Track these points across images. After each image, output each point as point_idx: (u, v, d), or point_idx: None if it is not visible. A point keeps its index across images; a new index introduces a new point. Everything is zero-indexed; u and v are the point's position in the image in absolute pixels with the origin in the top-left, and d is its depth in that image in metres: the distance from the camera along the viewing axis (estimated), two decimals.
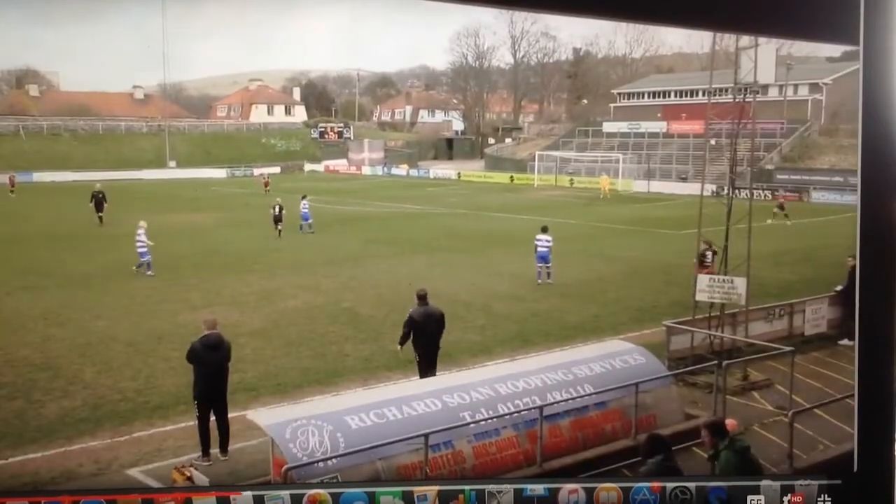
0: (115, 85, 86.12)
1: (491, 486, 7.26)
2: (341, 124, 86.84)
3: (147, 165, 69.82)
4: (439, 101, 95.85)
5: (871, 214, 6.72)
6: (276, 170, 76.50)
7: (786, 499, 7.23)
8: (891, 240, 6.70)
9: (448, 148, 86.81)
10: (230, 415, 11.02)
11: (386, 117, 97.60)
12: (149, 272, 22.82)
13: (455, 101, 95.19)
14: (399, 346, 13.20)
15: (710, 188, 16.06)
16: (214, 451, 10.85)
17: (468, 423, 9.95)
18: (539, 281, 22.16)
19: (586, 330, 17.35)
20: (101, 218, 33.83)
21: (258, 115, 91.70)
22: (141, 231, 23.32)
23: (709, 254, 17.22)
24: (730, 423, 8.49)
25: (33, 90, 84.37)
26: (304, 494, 6.94)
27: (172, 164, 72.74)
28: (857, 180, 6.78)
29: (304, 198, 33.42)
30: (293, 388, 13.60)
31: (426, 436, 9.29)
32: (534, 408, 10.35)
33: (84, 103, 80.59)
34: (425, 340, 12.95)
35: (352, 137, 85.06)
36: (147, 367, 14.56)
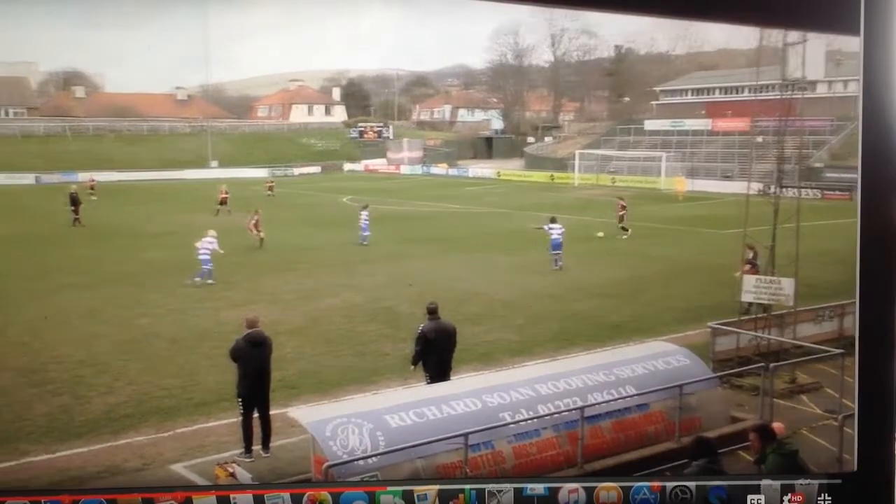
0: (159, 86, 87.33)
1: (491, 486, 7.25)
2: (380, 124, 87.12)
3: (189, 165, 70.67)
4: (478, 100, 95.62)
5: (871, 214, 6.67)
6: (317, 169, 77.03)
7: (786, 498, 7.19)
8: (891, 240, 6.65)
9: (487, 147, 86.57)
10: (272, 412, 11.07)
11: (425, 116, 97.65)
12: (209, 281, 21.85)
13: (494, 99, 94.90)
14: (413, 366, 12.32)
15: (755, 187, 15.73)
16: (256, 447, 10.91)
17: (508, 424, 9.88)
18: (554, 267, 23.28)
19: (628, 330, 17.15)
20: (77, 219, 34.30)
21: (298, 115, 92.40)
22: (209, 240, 22.47)
23: (750, 253, 17.06)
24: (777, 426, 8.30)
25: (79, 92, 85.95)
26: (303, 495, 6.95)
27: (214, 163, 73.54)
28: (858, 180, 6.73)
29: (364, 208, 30.17)
30: (333, 385, 13.63)
31: (466, 435, 9.24)
32: (574, 409, 10.25)
33: (128, 104, 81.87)
34: (437, 357, 12.09)
35: (391, 137, 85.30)
36: (189, 363, 14.71)
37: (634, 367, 11.31)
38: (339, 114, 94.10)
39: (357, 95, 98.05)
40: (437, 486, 7.17)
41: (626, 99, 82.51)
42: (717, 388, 11.93)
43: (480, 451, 9.53)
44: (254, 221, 28.02)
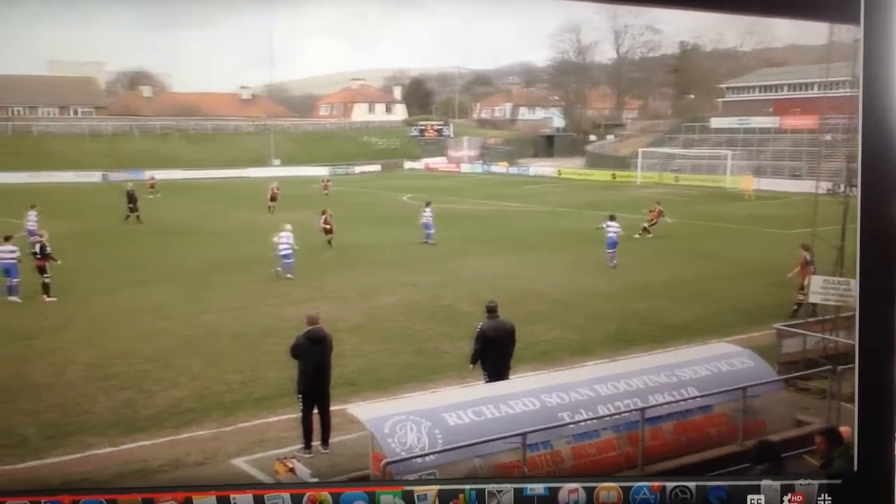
0: (224, 86, 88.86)
1: (491, 486, 7.25)
2: (441, 122, 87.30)
3: (252, 164, 71.81)
4: (539, 98, 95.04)
5: (871, 214, 6.68)
6: (377, 168, 77.55)
7: (786, 498, 7.15)
8: (891, 240, 6.62)
9: (548, 145, 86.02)
10: (331, 408, 11.16)
11: (485, 114, 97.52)
12: (289, 275, 22.51)
13: (555, 97, 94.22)
14: (471, 365, 12.32)
15: (824, 186, 15.29)
16: (316, 443, 11.01)
17: (567, 424, 9.80)
18: (610, 265, 23.44)
19: (690, 331, 16.85)
20: (137, 216, 34.98)
21: (359, 113, 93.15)
22: (286, 234, 22.99)
23: (806, 254, 17.28)
24: (844, 430, 8.06)
25: (146, 91, 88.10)
26: (304, 495, 6.96)
27: (276, 162, 74.63)
28: (858, 180, 6.76)
29: (427, 205, 30.21)
30: (392, 383, 13.69)
31: (524, 435, 9.19)
32: (635, 410, 10.11)
33: (194, 104, 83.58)
34: (496, 356, 12.07)
35: (451, 135, 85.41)
36: (251, 359, 14.92)
37: (697, 369, 11.11)
38: (400, 112, 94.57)
39: (418, 94, 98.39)
40: (437, 487, 7.18)
41: (691, 96, 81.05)
42: (782, 390, 11.63)
43: (539, 451, 9.47)
44: (323, 220, 27.84)
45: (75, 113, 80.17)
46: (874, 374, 6.84)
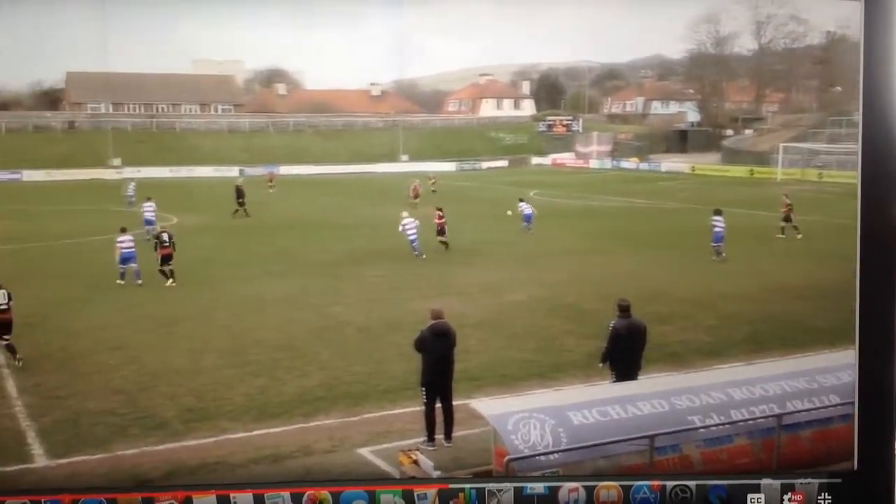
0: (354, 83, 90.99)
1: (491, 485, 7.18)
2: (569, 117, 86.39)
3: (380, 160, 73.23)
4: (673, 92, 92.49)
5: (871, 214, 6.58)
6: (504, 163, 77.56)
7: (786, 497, 7.09)
8: (891, 240, 6.53)
9: (681, 140, 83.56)
10: (455, 402, 11.17)
11: (616, 109, 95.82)
12: (423, 255, 24.84)
13: (690, 90, 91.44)
14: (602, 364, 12.08)
15: None
16: (439, 437, 11.05)
17: (697, 428, 9.43)
18: (714, 258, 23.84)
19: (832, 335, 15.91)
20: (245, 211, 35.95)
21: (487, 109, 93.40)
22: (408, 221, 25.15)
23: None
24: None
25: (281, 89, 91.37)
26: (303, 495, 6.89)
27: (405, 157, 75.80)
28: (858, 180, 6.62)
29: (521, 201, 32.21)
30: (515, 379, 13.60)
31: (651, 437, 8.91)
32: (771, 416, 9.63)
33: (325, 101, 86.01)
34: (626, 356, 11.81)
35: (580, 130, 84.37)
36: (378, 351, 15.16)
37: (840, 375, 10.45)
38: (528, 108, 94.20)
39: (547, 89, 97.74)
40: (437, 486, 7.13)
41: (838, 88, 76.84)
42: None
43: (667, 455, 9.16)
44: (437, 217, 27.21)
45: (215, 110, 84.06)
46: (874, 374, 6.76)
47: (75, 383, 13.42)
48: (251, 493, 6.79)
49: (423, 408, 11.11)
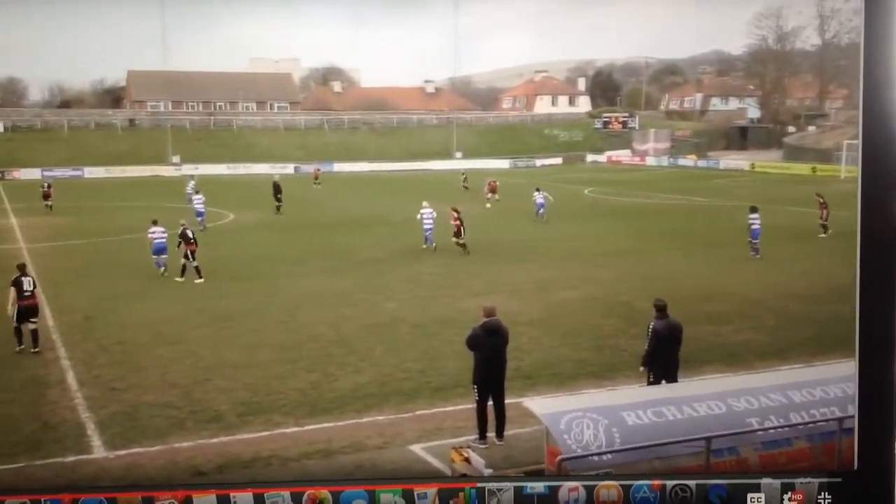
0: (409, 80, 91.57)
1: (491, 485, 7.09)
2: (626, 114, 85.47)
3: (434, 157, 73.38)
4: (733, 88, 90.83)
5: (871, 213, 6.54)
6: (558, 161, 77.06)
7: (786, 497, 7.06)
8: (891, 240, 6.50)
9: (741, 137, 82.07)
10: (507, 401, 11.09)
11: (674, 105, 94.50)
12: (432, 245, 25.88)
13: (751, 86, 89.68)
14: (643, 368, 11.82)
15: None
16: (490, 434, 10.98)
17: (755, 430, 9.19)
18: (753, 255, 24.02)
19: None
20: (278, 207, 36.32)
21: (542, 106, 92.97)
22: (426, 212, 26.26)
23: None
24: None
25: (337, 87, 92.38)
26: (303, 494, 6.81)
27: (458, 154, 75.84)
28: (858, 179, 6.62)
29: (537, 190, 34.17)
30: (568, 378, 13.45)
31: (708, 439, 8.70)
32: (832, 419, 9.33)
33: (381, 98, 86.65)
34: (667, 357, 11.55)
35: (636, 127, 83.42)
36: (431, 348, 15.13)
37: None
38: (584, 104, 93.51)
39: (603, 85, 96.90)
40: (437, 485, 7.02)
41: None
42: None
43: (724, 457, 8.94)
44: (453, 219, 25.67)
45: (272, 108, 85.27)
46: (874, 374, 6.76)
47: (133, 376, 13.66)
48: (251, 493, 6.79)
49: (474, 405, 11.04)
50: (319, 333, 16.29)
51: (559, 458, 8.42)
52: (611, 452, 8.59)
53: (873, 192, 6.61)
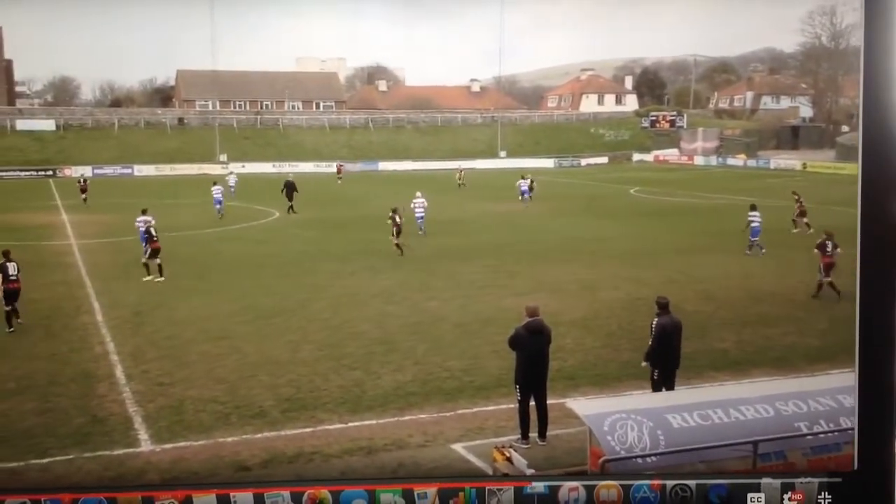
0: (455, 79, 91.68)
1: (491, 485, 7.04)
2: (674, 112, 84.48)
3: (479, 155, 73.28)
4: (785, 86, 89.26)
5: (871, 213, 6.57)
6: (604, 160, 76.45)
7: (786, 497, 7.08)
8: (891, 240, 6.52)
9: (793, 136, 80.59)
10: (549, 401, 11.01)
11: (723, 104, 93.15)
12: (420, 231, 28.73)
13: (803, 85, 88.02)
14: (644, 363, 11.85)
15: None
16: (533, 435, 10.91)
17: (804, 435, 8.99)
18: (747, 252, 24.37)
19: None
20: (291, 207, 36.27)
21: (588, 104, 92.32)
22: (420, 200, 29.60)
23: (829, 244, 18.70)
24: None
25: (382, 86, 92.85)
26: (304, 494, 6.75)
27: (503, 153, 75.66)
28: (858, 179, 6.66)
29: (523, 178, 40.27)
30: (612, 379, 13.31)
31: (755, 443, 8.55)
32: None
33: (426, 97, 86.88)
34: (670, 354, 11.62)
35: (684, 126, 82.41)
36: (472, 347, 15.08)
37: None
38: (631, 103, 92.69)
39: (650, 83, 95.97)
40: (437, 485, 6.96)
41: None
42: None
43: (771, 462, 8.77)
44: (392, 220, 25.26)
45: (317, 107, 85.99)
46: (874, 374, 6.73)
47: (180, 371, 13.85)
48: (251, 493, 6.81)
49: (517, 405, 10.99)
50: (363, 331, 16.35)
51: (602, 459, 8.34)
52: (655, 455, 8.48)
53: (873, 192, 6.63)
